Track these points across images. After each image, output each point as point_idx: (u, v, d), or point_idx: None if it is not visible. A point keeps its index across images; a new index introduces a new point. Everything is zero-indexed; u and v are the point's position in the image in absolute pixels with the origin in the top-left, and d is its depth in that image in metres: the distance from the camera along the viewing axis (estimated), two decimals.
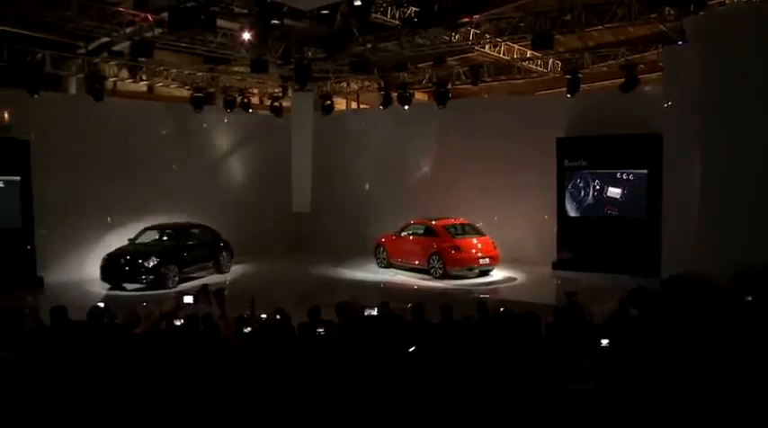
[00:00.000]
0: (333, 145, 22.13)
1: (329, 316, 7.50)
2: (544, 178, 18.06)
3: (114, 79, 18.53)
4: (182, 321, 6.34)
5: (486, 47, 17.66)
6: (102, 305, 7.40)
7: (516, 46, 18.24)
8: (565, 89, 17.98)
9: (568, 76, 17.75)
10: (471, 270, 17.07)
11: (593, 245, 17.36)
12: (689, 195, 12.77)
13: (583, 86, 18.12)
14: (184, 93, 20.31)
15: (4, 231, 15.90)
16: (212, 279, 16.86)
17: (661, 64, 16.31)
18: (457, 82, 19.74)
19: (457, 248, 17.05)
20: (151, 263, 15.99)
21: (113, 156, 18.40)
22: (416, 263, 17.87)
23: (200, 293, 6.31)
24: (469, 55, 19.82)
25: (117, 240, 17.27)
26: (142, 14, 14.41)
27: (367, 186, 22.56)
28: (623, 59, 17.24)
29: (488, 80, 19.43)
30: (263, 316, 7.89)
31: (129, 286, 15.97)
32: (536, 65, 19.03)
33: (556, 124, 18.03)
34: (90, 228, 17.80)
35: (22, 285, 15.06)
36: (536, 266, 17.60)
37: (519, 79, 19.61)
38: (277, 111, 21.79)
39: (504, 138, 18.97)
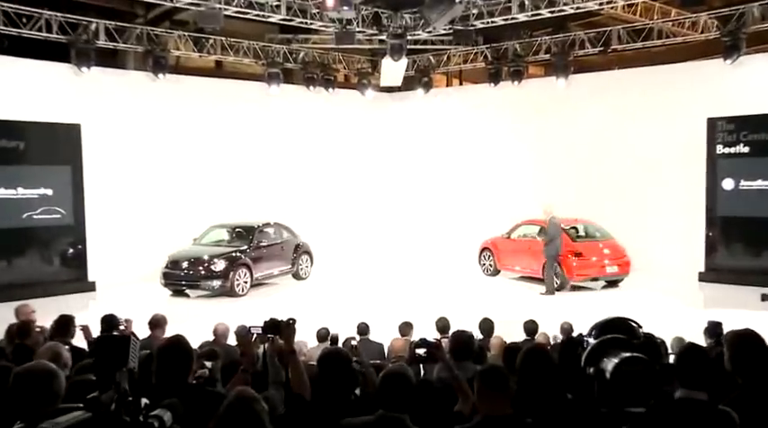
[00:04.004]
0: (429, 128, 21.55)
1: None
2: (689, 168, 16.24)
3: (178, 53, 17.91)
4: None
5: (619, 6, 16.01)
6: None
7: (657, 3, 16.56)
8: (720, 57, 15.81)
9: (726, 39, 15.49)
10: (596, 280, 15.45)
11: (756, 252, 15.53)
12: None
13: (746, 51, 15.69)
14: (257, 68, 19.61)
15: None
16: (290, 285, 16.71)
17: None
18: (580, 51, 17.93)
19: (579, 254, 15.28)
20: (219, 267, 14.96)
21: (175, 141, 17.85)
22: (529, 270, 16.34)
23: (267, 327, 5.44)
24: (597, 18, 18.15)
25: (179, 239, 16.35)
26: None
27: (469, 180, 21.19)
28: None
29: (620, 48, 17.62)
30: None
31: (192, 293, 15.20)
32: (683, 27, 16.79)
33: (707, 101, 16.07)
34: (147, 224, 17.12)
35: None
36: (676, 278, 15.60)
37: (659, 46, 17.52)
38: (364, 89, 21.06)
39: (639, 118, 17.35)
